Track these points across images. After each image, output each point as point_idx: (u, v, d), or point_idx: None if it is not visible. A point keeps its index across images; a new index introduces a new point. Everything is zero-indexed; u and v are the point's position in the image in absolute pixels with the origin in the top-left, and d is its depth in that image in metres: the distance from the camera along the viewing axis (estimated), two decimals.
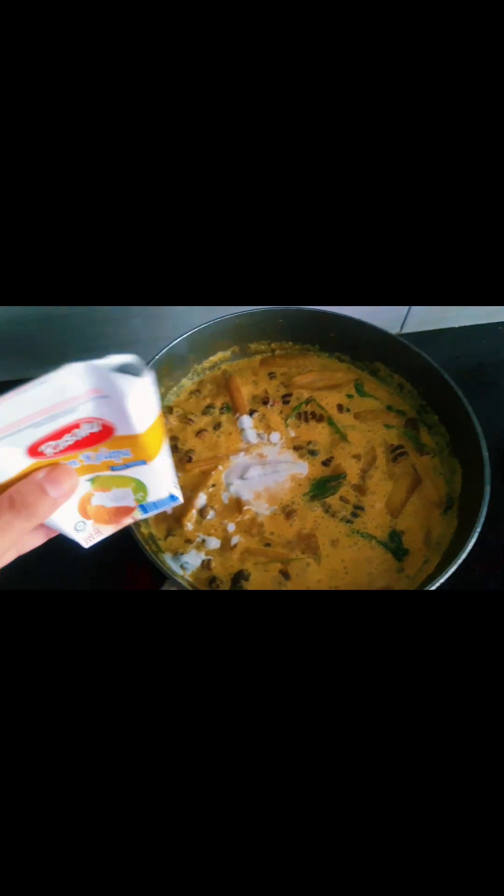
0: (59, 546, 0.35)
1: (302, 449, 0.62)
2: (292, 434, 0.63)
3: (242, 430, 0.63)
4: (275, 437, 0.63)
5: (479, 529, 0.50)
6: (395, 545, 0.56)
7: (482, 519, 0.51)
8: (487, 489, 0.52)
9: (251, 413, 0.65)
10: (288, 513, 0.57)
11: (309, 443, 0.62)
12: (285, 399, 0.66)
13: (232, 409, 0.65)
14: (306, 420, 0.64)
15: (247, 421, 0.64)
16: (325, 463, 0.61)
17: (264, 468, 0.60)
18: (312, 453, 0.62)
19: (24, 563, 0.33)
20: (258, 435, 0.63)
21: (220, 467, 0.60)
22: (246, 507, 0.57)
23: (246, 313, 0.65)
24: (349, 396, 0.67)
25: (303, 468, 0.61)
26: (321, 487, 0.59)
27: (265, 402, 0.66)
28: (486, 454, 0.54)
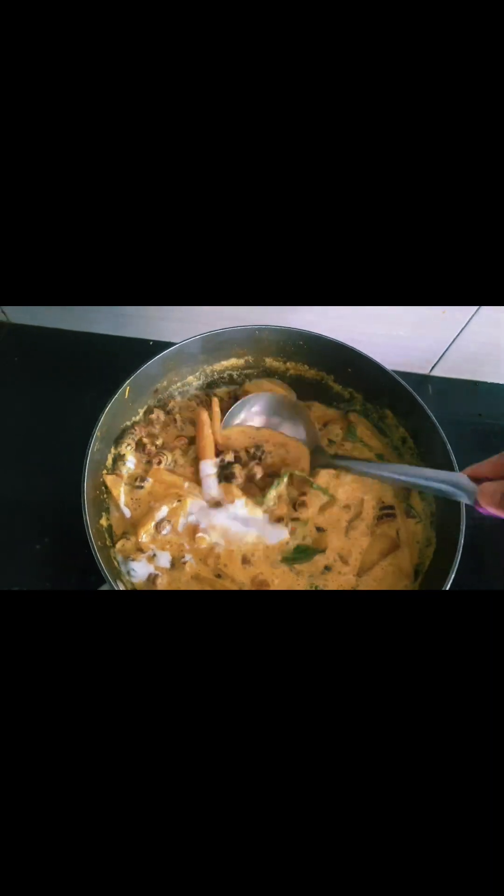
0: None
1: (283, 520, 0.58)
2: (271, 504, 0.58)
3: (204, 477, 0.57)
4: (238, 504, 0.57)
5: None
6: None
7: None
8: (451, 576, 0.51)
9: (219, 459, 0.59)
10: (246, 561, 0.56)
11: (294, 519, 0.58)
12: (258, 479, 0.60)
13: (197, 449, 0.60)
14: (294, 507, 0.58)
15: (209, 468, 0.57)
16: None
17: (232, 520, 0.56)
18: (295, 520, 0.58)
19: None
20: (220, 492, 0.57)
21: (188, 485, 0.59)
22: (200, 536, 0.55)
23: (266, 328, 0.63)
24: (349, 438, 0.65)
25: (282, 535, 0.57)
26: (299, 554, 0.57)
27: (236, 461, 0.59)
28: (461, 540, 0.52)
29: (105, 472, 0.59)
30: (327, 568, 0.56)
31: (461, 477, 0.42)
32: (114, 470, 0.60)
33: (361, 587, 0.56)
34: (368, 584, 0.56)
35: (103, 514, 0.57)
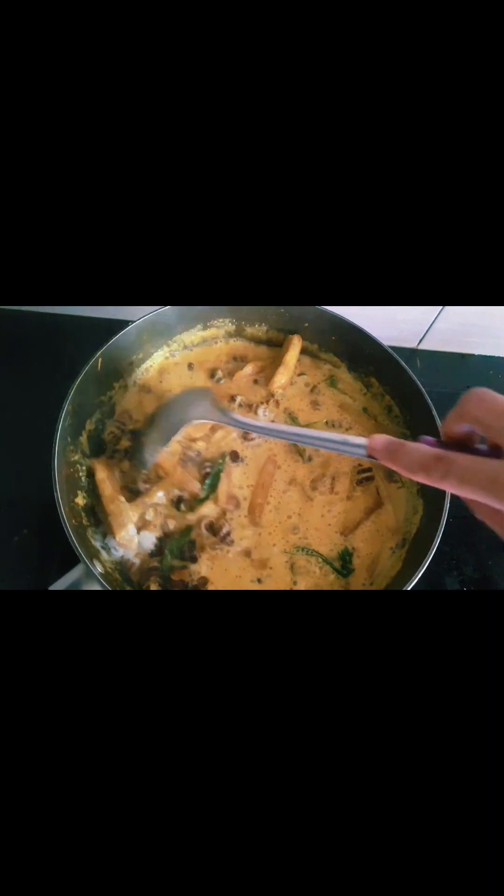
0: None
1: None
2: None
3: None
4: None
5: (418, 576, 0.48)
6: (342, 564, 0.54)
7: (425, 565, 0.48)
8: (438, 538, 0.49)
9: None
10: None
11: None
12: None
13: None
14: None
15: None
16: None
17: None
18: None
19: None
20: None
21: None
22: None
23: None
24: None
25: None
26: None
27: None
28: (447, 502, 0.50)
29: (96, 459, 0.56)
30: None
31: (349, 437, 0.39)
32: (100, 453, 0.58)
33: (348, 545, 0.55)
34: (355, 542, 0.55)
35: (78, 492, 0.54)
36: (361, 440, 0.35)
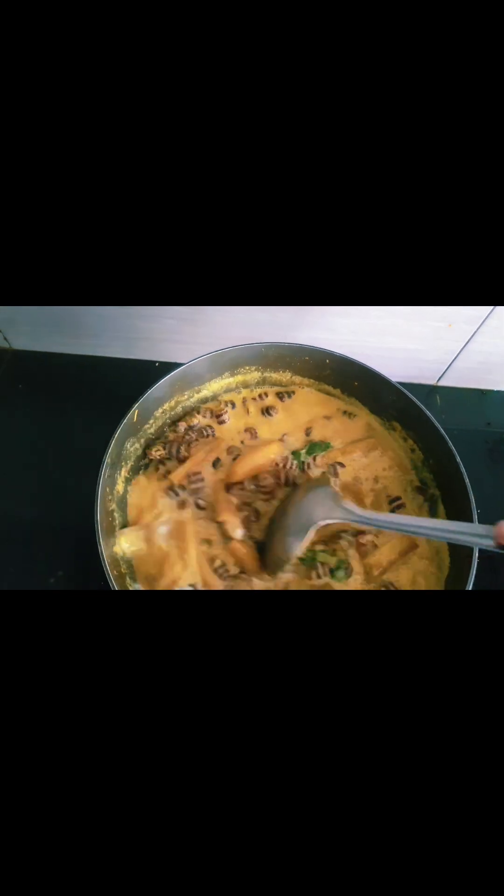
0: None
1: None
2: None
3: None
4: None
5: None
6: None
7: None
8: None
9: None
10: None
11: None
12: None
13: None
14: None
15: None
16: None
17: None
18: None
19: None
20: None
21: None
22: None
23: (273, 345, 0.64)
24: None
25: None
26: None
27: None
28: (475, 561, 0.51)
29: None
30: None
31: (479, 527, 0.41)
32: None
33: (386, 580, 0.55)
34: (390, 577, 0.55)
35: (121, 538, 0.56)
36: (485, 528, 0.36)
